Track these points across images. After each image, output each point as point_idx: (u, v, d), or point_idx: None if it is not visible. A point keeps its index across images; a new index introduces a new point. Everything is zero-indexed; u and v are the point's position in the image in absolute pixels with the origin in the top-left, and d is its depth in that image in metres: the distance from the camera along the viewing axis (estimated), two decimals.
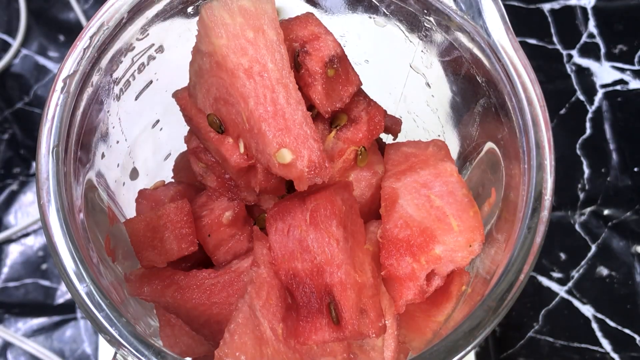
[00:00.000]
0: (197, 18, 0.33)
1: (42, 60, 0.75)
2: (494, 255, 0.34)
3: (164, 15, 0.35)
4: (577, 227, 0.69)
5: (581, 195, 0.70)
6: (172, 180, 0.45)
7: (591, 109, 0.73)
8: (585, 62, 0.75)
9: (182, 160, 0.45)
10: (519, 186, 0.32)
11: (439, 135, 0.43)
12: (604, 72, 0.75)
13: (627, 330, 0.66)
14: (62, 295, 0.67)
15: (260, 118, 0.31)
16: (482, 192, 0.37)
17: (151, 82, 0.39)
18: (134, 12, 0.34)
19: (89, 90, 0.33)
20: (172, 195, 0.40)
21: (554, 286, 0.67)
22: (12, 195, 0.71)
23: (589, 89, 0.74)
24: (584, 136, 0.73)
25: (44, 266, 0.68)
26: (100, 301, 0.29)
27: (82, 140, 0.34)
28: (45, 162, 0.31)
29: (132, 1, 0.33)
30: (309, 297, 0.32)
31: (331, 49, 0.35)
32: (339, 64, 0.36)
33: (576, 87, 0.74)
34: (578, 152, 0.72)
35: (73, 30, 0.77)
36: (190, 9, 0.36)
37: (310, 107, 0.35)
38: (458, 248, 0.34)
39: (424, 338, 0.36)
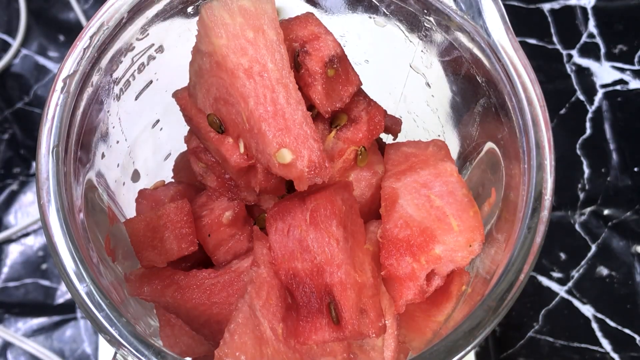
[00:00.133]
0: (197, 18, 0.33)
1: (42, 60, 0.75)
2: (494, 255, 0.34)
3: (164, 15, 0.35)
4: (577, 227, 0.69)
5: (581, 195, 0.70)
6: (172, 180, 0.45)
7: (591, 109, 0.73)
8: (585, 62, 0.75)
9: (182, 160, 0.45)
10: (519, 186, 0.32)
11: (439, 135, 0.43)
12: (604, 72, 0.75)
13: (627, 330, 0.66)
14: (62, 295, 0.67)
15: (260, 118, 0.31)
16: (482, 192, 0.37)
17: (151, 82, 0.39)
18: (134, 12, 0.34)
19: (89, 90, 0.33)
20: (172, 195, 0.40)
21: (554, 286, 0.67)
22: (12, 195, 0.71)
23: (589, 89, 0.74)
24: (584, 136, 0.73)
25: (44, 266, 0.68)
26: (100, 301, 0.29)
27: (82, 140, 0.34)
28: (45, 162, 0.31)
29: (132, 1, 0.33)
30: (309, 297, 0.32)
31: (331, 49, 0.35)
32: (339, 64, 0.36)
33: (576, 87, 0.74)
34: (578, 152, 0.72)
35: (73, 30, 0.77)
36: (190, 9, 0.36)
37: (310, 107, 0.35)
38: (458, 248, 0.34)
39: (424, 338, 0.36)
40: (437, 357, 0.29)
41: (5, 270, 0.68)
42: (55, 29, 0.77)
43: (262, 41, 0.32)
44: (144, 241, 0.37)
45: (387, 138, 0.44)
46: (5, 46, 0.76)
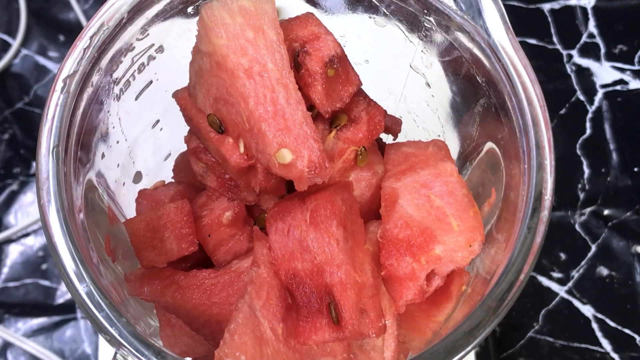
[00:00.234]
0: (197, 18, 0.33)
1: (42, 60, 0.75)
2: (494, 255, 0.34)
3: (164, 15, 0.35)
4: (577, 227, 0.69)
5: (581, 195, 0.70)
6: (172, 180, 0.45)
7: (591, 109, 0.73)
8: (585, 62, 0.75)
9: (182, 160, 0.45)
10: (519, 186, 0.32)
11: (439, 135, 0.43)
12: (604, 72, 0.75)
13: (627, 330, 0.66)
14: (62, 295, 0.67)
15: (260, 118, 0.31)
16: (482, 192, 0.37)
17: (151, 82, 0.39)
18: (134, 12, 0.34)
19: (89, 90, 0.33)
20: (172, 195, 0.40)
21: (554, 286, 0.67)
22: (12, 195, 0.71)
23: (589, 89, 0.74)
24: (584, 136, 0.73)
25: (44, 266, 0.68)
26: (100, 301, 0.29)
27: (82, 140, 0.34)
28: (45, 162, 0.31)
29: (132, 1, 0.33)
30: (309, 297, 0.32)
31: (331, 49, 0.35)
32: (339, 64, 0.36)
33: (576, 87, 0.74)
34: (578, 152, 0.72)
35: (73, 30, 0.77)
36: (190, 9, 0.36)
37: (310, 107, 0.35)
38: (458, 248, 0.34)
39: (424, 338, 0.36)
40: (437, 357, 0.29)
41: (5, 270, 0.68)
42: (55, 29, 0.77)
43: (262, 41, 0.32)
44: (144, 241, 0.37)
45: (387, 138, 0.44)
46: (5, 46, 0.76)
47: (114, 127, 0.38)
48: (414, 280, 0.34)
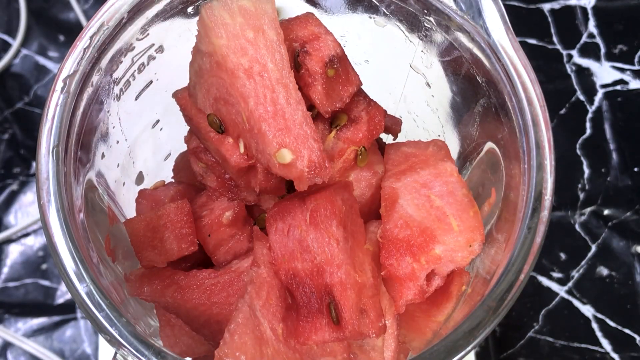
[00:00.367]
0: (197, 18, 0.33)
1: (42, 60, 0.75)
2: (494, 255, 0.34)
3: (164, 15, 0.35)
4: (577, 227, 0.69)
5: (581, 195, 0.70)
6: (172, 180, 0.45)
7: (591, 109, 0.73)
8: (585, 62, 0.75)
9: (182, 160, 0.45)
10: (519, 186, 0.32)
11: (439, 135, 0.43)
12: (604, 72, 0.75)
13: (627, 330, 0.66)
14: (62, 295, 0.67)
15: (260, 118, 0.31)
16: (482, 192, 0.37)
17: (151, 82, 0.39)
18: (134, 12, 0.34)
19: (89, 90, 0.33)
20: (172, 195, 0.40)
21: (554, 286, 0.67)
22: (12, 195, 0.71)
23: (589, 89, 0.74)
24: (584, 136, 0.73)
25: (44, 266, 0.68)
26: (100, 301, 0.29)
27: (82, 140, 0.34)
28: (45, 162, 0.31)
29: (132, 1, 0.33)
30: (309, 297, 0.32)
31: (331, 49, 0.35)
32: (339, 64, 0.36)
33: (576, 87, 0.74)
34: (578, 152, 0.72)
35: (73, 30, 0.77)
36: (190, 9, 0.36)
37: (310, 107, 0.35)
38: (458, 248, 0.34)
39: (424, 338, 0.36)
40: (437, 357, 0.29)
41: (5, 270, 0.68)
42: (55, 29, 0.77)
43: (262, 41, 0.32)
44: (144, 241, 0.37)
45: (387, 138, 0.44)
46: (5, 46, 0.76)
47: (114, 127, 0.38)
48: (414, 280, 0.34)
